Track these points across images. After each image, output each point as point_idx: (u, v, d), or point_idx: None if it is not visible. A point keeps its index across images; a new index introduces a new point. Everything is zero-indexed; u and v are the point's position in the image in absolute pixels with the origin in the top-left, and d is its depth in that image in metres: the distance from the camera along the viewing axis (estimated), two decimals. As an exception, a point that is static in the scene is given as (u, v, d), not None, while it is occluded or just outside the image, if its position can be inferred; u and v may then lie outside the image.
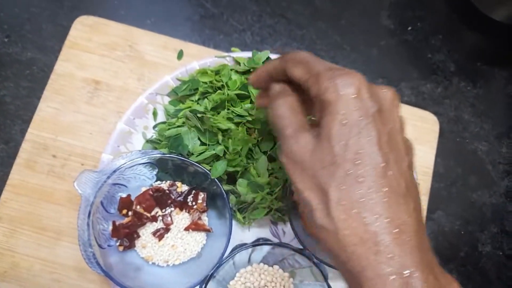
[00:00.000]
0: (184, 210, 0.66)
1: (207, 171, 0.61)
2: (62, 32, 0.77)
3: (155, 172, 0.66)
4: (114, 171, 0.60)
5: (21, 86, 0.75)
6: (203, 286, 0.56)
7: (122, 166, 0.60)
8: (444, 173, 0.76)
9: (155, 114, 0.70)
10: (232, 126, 0.60)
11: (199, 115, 0.60)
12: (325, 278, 0.58)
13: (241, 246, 0.58)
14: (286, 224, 0.69)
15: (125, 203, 0.63)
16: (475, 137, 0.78)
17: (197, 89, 0.67)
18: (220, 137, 0.60)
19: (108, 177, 0.60)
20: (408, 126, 0.68)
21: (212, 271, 0.56)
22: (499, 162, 0.77)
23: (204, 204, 0.64)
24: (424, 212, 0.72)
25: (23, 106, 0.75)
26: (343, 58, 0.82)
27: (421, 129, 0.75)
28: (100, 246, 0.60)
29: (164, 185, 0.66)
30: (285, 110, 0.36)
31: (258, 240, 0.59)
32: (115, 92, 0.74)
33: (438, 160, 0.75)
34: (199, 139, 0.64)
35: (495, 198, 0.75)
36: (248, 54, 0.71)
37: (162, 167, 0.65)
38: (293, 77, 0.35)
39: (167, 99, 0.71)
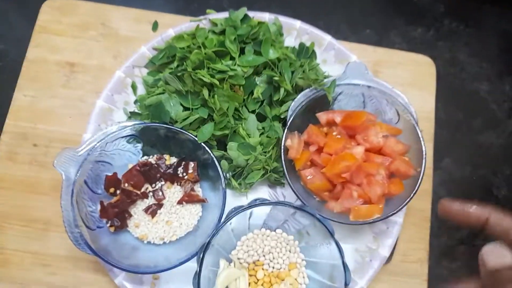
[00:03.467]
0: (175, 183, 0.62)
1: (194, 137, 0.57)
2: (31, 19, 0.73)
3: (140, 147, 0.62)
4: (95, 147, 0.56)
5: (-6, 78, 0.72)
6: (201, 255, 0.52)
7: (102, 140, 0.56)
8: (446, 119, 0.71)
9: (134, 87, 0.66)
10: (216, 81, 0.56)
11: (179, 74, 0.57)
12: (331, 234, 0.54)
13: (237, 209, 0.54)
14: (285, 187, 0.65)
15: (112, 181, 0.60)
16: (475, 77, 0.74)
17: (174, 56, 0.64)
18: (205, 93, 0.56)
19: (89, 154, 0.56)
20: (403, 72, 0.65)
21: (209, 239, 0.52)
22: (504, 100, 0.73)
23: (196, 174, 0.61)
24: (431, 161, 0.68)
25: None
26: (326, 14, 0.78)
27: (417, 73, 0.71)
28: (89, 227, 0.56)
29: (152, 159, 0.62)
30: None
31: (254, 201, 0.55)
32: (91, 72, 0.70)
33: (438, 106, 0.71)
34: (181, 105, 0.60)
35: (504, 138, 0.71)
36: (225, 14, 0.67)
37: (146, 140, 0.61)
38: None
39: (145, 71, 0.67)
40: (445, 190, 0.69)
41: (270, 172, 0.61)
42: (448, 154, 0.70)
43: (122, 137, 0.59)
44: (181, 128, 0.58)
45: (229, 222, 0.56)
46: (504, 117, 0.71)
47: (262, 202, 0.54)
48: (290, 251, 0.59)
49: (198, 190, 0.62)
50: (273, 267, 0.58)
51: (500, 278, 0.35)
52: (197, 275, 0.52)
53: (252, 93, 0.60)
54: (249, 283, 0.57)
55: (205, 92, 0.57)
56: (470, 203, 0.38)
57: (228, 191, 0.63)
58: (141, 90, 0.67)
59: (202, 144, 0.58)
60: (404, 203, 0.54)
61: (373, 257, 0.60)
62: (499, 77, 0.73)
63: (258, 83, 0.61)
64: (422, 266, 0.63)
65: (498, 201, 0.69)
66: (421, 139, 0.57)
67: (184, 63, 0.60)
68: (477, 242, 0.66)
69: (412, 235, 0.64)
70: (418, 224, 0.64)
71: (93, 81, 0.70)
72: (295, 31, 0.69)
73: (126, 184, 0.60)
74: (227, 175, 0.63)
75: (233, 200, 0.64)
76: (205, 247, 0.52)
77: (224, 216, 0.56)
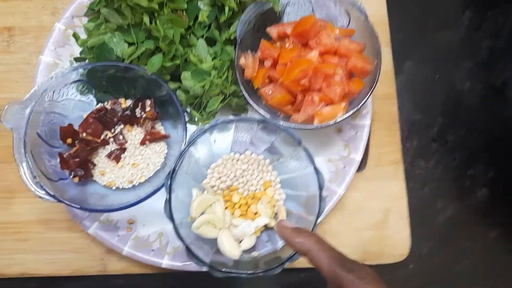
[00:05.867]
0: (135, 125, 0.60)
1: (143, 70, 0.55)
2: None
3: (92, 95, 0.60)
4: (42, 96, 0.54)
5: None
6: (168, 182, 0.50)
7: (48, 88, 0.54)
8: (400, 22, 0.70)
9: (76, 37, 0.63)
10: (155, 5, 0.54)
11: (116, 6, 0.54)
12: (299, 142, 0.52)
13: (199, 132, 0.52)
14: (250, 113, 0.63)
15: (67, 132, 0.57)
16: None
17: (113, -2, 0.61)
18: (146, 20, 0.54)
19: (36, 104, 0.53)
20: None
21: (174, 165, 0.51)
22: (456, -4, 0.72)
23: (154, 111, 0.58)
24: (391, 66, 0.67)
25: None
26: None
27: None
28: (50, 179, 0.53)
29: (107, 105, 0.60)
30: None
31: (215, 121, 0.53)
32: (31, 33, 0.67)
33: (390, 10, 0.69)
34: (125, 41, 0.57)
35: (460, 34, 0.71)
36: None
37: (97, 85, 0.59)
38: None
39: (86, 21, 0.64)
40: (409, 92, 0.68)
41: (229, 96, 0.59)
42: (408, 56, 0.69)
43: (71, 83, 0.56)
44: (129, 63, 0.56)
45: (195, 151, 0.54)
46: (457, 13, 0.71)
47: (223, 121, 0.53)
48: (262, 171, 0.58)
49: (160, 128, 0.60)
50: (248, 190, 0.57)
51: None
52: (168, 202, 0.50)
53: (197, 18, 0.58)
54: (226, 207, 0.55)
55: (146, 18, 0.54)
56: (297, 233, 0.44)
57: (192, 127, 0.61)
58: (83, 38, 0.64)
59: (154, 76, 0.55)
60: (368, 94, 0.53)
61: (347, 164, 0.59)
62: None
63: (201, 7, 0.58)
64: (397, 167, 0.62)
65: (463, 95, 0.69)
66: (373, 31, 0.55)
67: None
68: (449, 137, 0.66)
69: (382, 139, 0.63)
70: (387, 127, 0.63)
71: (35, 42, 0.67)
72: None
73: (84, 134, 0.58)
74: (188, 109, 0.61)
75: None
76: (171, 174, 0.51)
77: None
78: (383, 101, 0.62)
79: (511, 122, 0.67)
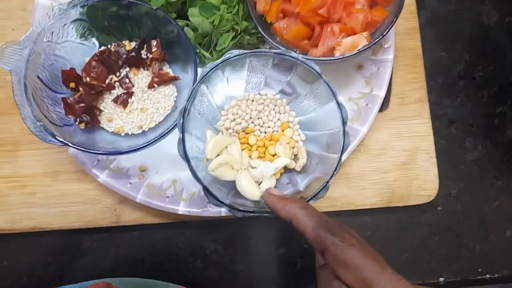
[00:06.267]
0: (141, 68, 0.56)
1: (148, 4, 0.51)
2: None
3: (94, 39, 0.56)
4: (40, 34, 0.50)
5: None
6: (180, 120, 0.47)
7: (46, 26, 0.50)
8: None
9: (74, -23, 0.59)
10: None
11: None
12: (319, 74, 0.48)
13: (211, 67, 0.49)
14: (262, 54, 0.59)
15: (70, 76, 0.53)
16: None
17: None
18: None
19: (35, 43, 0.50)
20: None
21: (185, 104, 0.47)
22: None
23: (161, 51, 0.54)
24: (413, 1, 0.62)
25: None
26: None
27: None
28: (54, 124, 0.50)
29: (110, 47, 0.56)
30: None
31: (228, 56, 0.50)
32: (26, -23, 0.63)
33: None
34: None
35: (487, -36, 0.65)
36: None
37: (98, 25, 0.54)
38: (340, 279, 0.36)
39: (84, -41, 0.59)
40: (432, 28, 0.63)
41: (241, 33, 0.55)
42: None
43: (70, 22, 0.52)
44: (132, -1, 0.51)
45: (206, 88, 0.50)
46: None
47: (237, 55, 0.49)
48: (279, 112, 0.54)
49: (168, 71, 0.57)
50: (265, 132, 0.53)
51: None
52: (181, 141, 0.47)
53: None
54: (243, 150, 0.52)
55: None
56: (283, 200, 0.43)
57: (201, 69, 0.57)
58: (83, -20, 0.59)
59: (161, 12, 0.51)
60: (392, 23, 0.49)
61: (370, 101, 0.56)
62: None
63: None
64: (422, 105, 0.58)
65: (489, 29, 0.64)
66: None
67: None
68: (476, 74, 0.62)
69: (406, 76, 0.59)
70: (411, 64, 0.59)
71: (30, -14, 0.62)
72: None
73: (88, 78, 0.54)
74: (197, 50, 0.57)
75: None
76: (183, 111, 0.47)
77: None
78: (406, 36, 0.57)
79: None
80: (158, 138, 0.49)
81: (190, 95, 0.48)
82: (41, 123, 0.48)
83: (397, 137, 0.58)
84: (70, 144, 0.47)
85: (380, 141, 0.58)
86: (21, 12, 0.62)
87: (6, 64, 0.49)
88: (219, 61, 0.49)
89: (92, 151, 0.48)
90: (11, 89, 0.59)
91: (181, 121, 0.47)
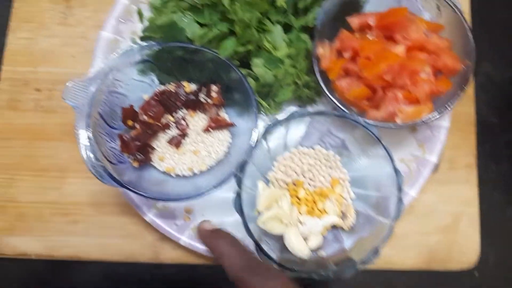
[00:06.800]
0: (198, 111, 0.57)
1: (215, 53, 0.52)
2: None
3: (155, 76, 0.57)
4: (106, 74, 0.51)
5: (-18, 26, 0.65)
6: (239, 175, 0.47)
7: (113, 66, 0.51)
8: (481, 21, 0.65)
9: (140, 14, 0.60)
10: (234, -15, 0.50)
11: (192, -15, 0.51)
12: (379, 139, 0.49)
13: (274, 123, 0.49)
14: (317, 106, 0.59)
15: (129, 113, 0.54)
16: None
17: (181, -27, 0.57)
18: (225, 1, 0.50)
19: (102, 81, 0.50)
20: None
21: (245, 157, 0.48)
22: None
23: (221, 96, 0.55)
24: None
25: (-9, 48, 0.65)
26: None
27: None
28: (110, 161, 0.51)
29: (169, 87, 0.57)
30: None
31: (292, 114, 0.50)
32: (89, 5, 0.64)
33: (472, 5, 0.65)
34: (197, 22, 0.54)
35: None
36: None
37: (161, 66, 0.55)
38: None
39: (150, -4, 0.60)
40: (486, 94, 0.64)
41: (301, 87, 0.56)
42: (486, 56, 0.65)
43: (136, 63, 0.53)
44: (201, 46, 0.52)
45: (265, 141, 0.51)
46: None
47: (301, 114, 0.49)
48: (331, 167, 0.54)
49: (224, 116, 0.57)
50: (314, 186, 0.54)
51: None
52: (238, 195, 0.47)
53: (274, 2, 0.54)
54: (292, 203, 0.52)
55: (225, 0, 0.51)
56: (214, 235, 0.47)
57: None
58: (147, 17, 0.60)
59: (226, 61, 0.52)
60: (458, 96, 0.50)
61: (421, 165, 0.56)
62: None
63: (280, -10, 0.55)
64: (470, 171, 0.58)
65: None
66: (467, 29, 0.51)
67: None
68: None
69: (457, 141, 0.59)
70: (463, 129, 0.60)
71: (93, 16, 0.64)
72: None
73: (145, 116, 0.55)
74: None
75: (261, 125, 0.58)
76: (242, 166, 0.48)
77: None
78: (460, 101, 0.57)
79: None
80: (211, 190, 0.49)
81: (251, 149, 0.48)
82: (101, 163, 0.48)
83: (443, 200, 0.58)
84: (130, 189, 0.48)
85: (425, 203, 0.58)
86: (81, 40, 0.63)
87: (71, 100, 0.50)
88: (282, 119, 0.49)
89: (147, 195, 0.48)
90: (64, 116, 0.60)
91: (240, 175, 0.47)
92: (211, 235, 0.47)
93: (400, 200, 0.48)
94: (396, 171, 0.48)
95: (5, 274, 0.60)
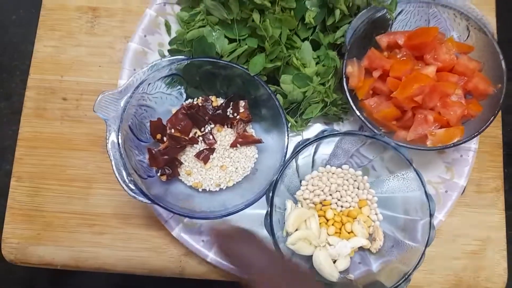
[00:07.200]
0: (225, 126, 0.57)
1: (245, 69, 0.52)
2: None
3: (183, 89, 0.57)
4: (137, 87, 0.51)
5: (9, 34, 0.65)
6: (270, 194, 0.47)
7: (144, 80, 0.51)
8: (507, 38, 0.65)
9: (167, 26, 0.60)
10: (267, 3, 0.50)
11: (222, 0, 0.50)
12: (410, 162, 0.49)
13: (304, 142, 0.49)
14: (343, 123, 0.59)
15: (157, 127, 0.54)
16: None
17: (210, -13, 0.57)
18: (256, 17, 0.50)
19: (132, 94, 0.50)
20: None
21: (277, 176, 0.48)
22: None
23: (248, 112, 0.55)
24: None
25: (17, 56, 0.65)
26: None
27: None
28: (140, 176, 0.51)
29: (197, 101, 0.57)
30: None
31: (322, 132, 0.50)
32: (117, 16, 0.64)
33: (498, 25, 0.64)
34: (226, 37, 0.54)
35: None
36: None
37: (190, 80, 0.55)
38: None
39: (177, 9, 0.60)
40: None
41: (329, 105, 0.56)
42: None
43: (165, 76, 0.53)
44: (229, 62, 0.52)
45: (295, 160, 0.51)
46: None
47: (331, 133, 0.49)
48: (358, 188, 0.54)
49: (251, 131, 0.57)
50: (342, 206, 0.54)
51: None
52: (269, 215, 0.47)
53: (303, 18, 0.54)
54: (319, 224, 0.52)
55: (256, 16, 0.51)
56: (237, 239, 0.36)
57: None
58: (175, 30, 0.60)
59: (255, 77, 0.52)
60: (489, 122, 0.49)
61: (449, 188, 0.56)
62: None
63: (309, 7, 0.54)
64: (498, 196, 0.58)
65: None
66: (498, 52, 0.51)
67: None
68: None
69: (485, 163, 0.59)
70: (491, 151, 0.59)
71: (120, 25, 0.64)
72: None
73: (173, 130, 0.55)
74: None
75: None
76: (273, 185, 0.48)
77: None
78: (488, 123, 0.57)
79: None
80: (240, 210, 0.49)
81: (282, 168, 0.48)
82: (132, 178, 0.48)
83: (470, 225, 0.58)
84: (159, 204, 0.48)
85: (453, 227, 0.58)
86: (109, 49, 0.63)
87: (102, 113, 0.50)
88: (313, 138, 0.49)
89: (177, 211, 0.49)
90: (90, 126, 0.60)
91: (271, 194, 0.47)
92: (231, 240, 0.35)
93: (432, 226, 0.48)
94: (428, 196, 0.48)
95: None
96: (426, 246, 0.47)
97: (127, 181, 0.48)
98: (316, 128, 0.60)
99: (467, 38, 0.54)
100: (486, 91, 0.51)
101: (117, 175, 0.48)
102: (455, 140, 0.50)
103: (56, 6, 0.64)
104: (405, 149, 0.49)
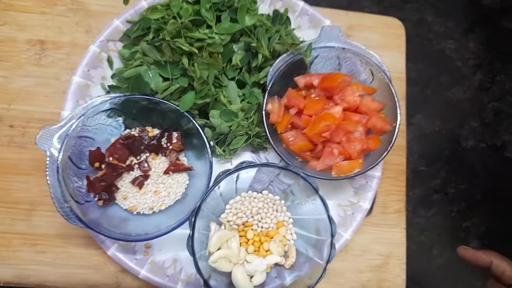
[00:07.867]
0: (160, 154, 0.63)
1: (176, 106, 0.58)
2: (-7, -3, 0.70)
3: (121, 121, 0.62)
4: (76, 122, 0.56)
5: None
6: (192, 219, 0.53)
7: (83, 115, 0.56)
8: (416, 77, 0.75)
9: (110, 61, 0.66)
10: (195, 49, 0.56)
11: (156, 44, 0.57)
12: (316, 190, 0.56)
13: (224, 173, 0.56)
14: (268, 152, 0.67)
15: (96, 156, 0.60)
16: (441, 37, 0.77)
17: (149, 27, 0.63)
18: (185, 62, 0.57)
19: (71, 129, 0.56)
20: (375, 34, 0.67)
21: (199, 203, 0.54)
22: (469, 57, 0.77)
23: (180, 143, 0.61)
24: (404, 118, 0.71)
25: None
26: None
27: (388, 35, 0.73)
28: (77, 202, 0.56)
29: (134, 132, 0.63)
30: None
31: (241, 164, 0.57)
32: (63, 49, 0.69)
33: (408, 65, 0.74)
34: (160, 75, 0.60)
35: (470, 93, 0.75)
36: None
37: (127, 112, 0.61)
38: None
39: (120, 45, 0.66)
40: (417, 144, 0.72)
41: (253, 137, 0.63)
42: (419, 110, 0.73)
43: (103, 111, 0.59)
44: (162, 99, 0.58)
45: (217, 187, 0.57)
46: (469, 73, 0.75)
47: (248, 165, 0.56)
48: (277, 211, 0.61)
49: (183, 159, 0.63)
50: (262, 227, 0.61)
51: None
52: (191, 238, 0.53)
53: (230, 60, 0.61)
54: (240, 243, 0.59)
55: (185, 61, 0.57)
56: (480, 251, 0.51)
57: (213, 159, 0.64)
58: (117, 64, 0.66)
59: (185, 113, 0.58)
60: (383, 156, 0.57)
61: (355, 210, 0.64)
62: (463, 35, 0.77)
63: (236, 50, 0.61)
64: (400, 216, 0.67)
65: (465, 152, 0.74)
66: (395, 96, 0.60)
67: (161, 34, 0.60)
68: (449, 190, 0.71)
69: (389, 188, 0.67)
70: (395, 177, 0.68)
71: (67, 58, 0.69)
72: (268, -1, 0.70)
73: (111, 158, 0.61)
74: (211, 142, 0.64)
75: (218, 166, 0.65)
76: (196, 211, 0.54)
77: (211, 181, 0.57)
78: (394, 151, 0.66)
79: (508, 181, 0.72)
80: (170, 231, 0.55)
81: (204, 195, 0.55)
82: (68, 205, 0.54)
83: (375, 241, 0.66)
84: (93, 228, 0.53)
85: (360, 243, 0.66)
86: (54, 81, 0.68)
87: (42, 145, 0.55)
88: (232, 169, 0.56)
89: (108, 235, 0.54)
90: (35, 152, 0.65)
91: (193, 219, 0.54)
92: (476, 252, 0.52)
93: (332, 246, 0.55)
94: (330, 220, 0.56)
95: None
96: (327, 263, 0.55)
97: (64, 206, 0.54)
98: (245, 156, 0.67)
99: (372, 81, 0.63)
100: (383, 129, 0.59)
101: (55, 201, 0.54)
102: (356, 171, 0.58)
103: (6, 38, 0.68)
104: (313, 178, 0.57)
